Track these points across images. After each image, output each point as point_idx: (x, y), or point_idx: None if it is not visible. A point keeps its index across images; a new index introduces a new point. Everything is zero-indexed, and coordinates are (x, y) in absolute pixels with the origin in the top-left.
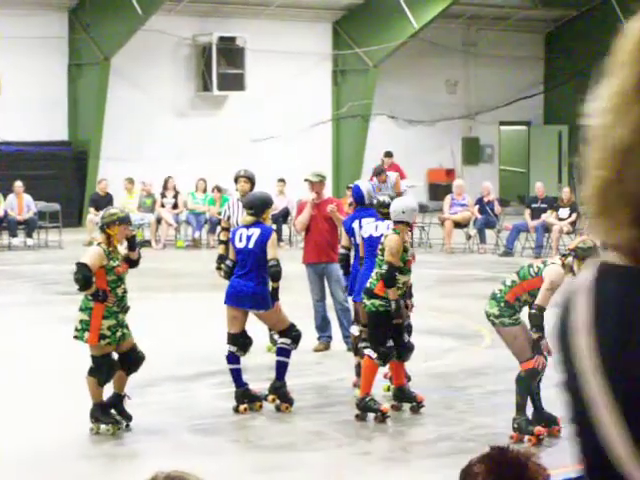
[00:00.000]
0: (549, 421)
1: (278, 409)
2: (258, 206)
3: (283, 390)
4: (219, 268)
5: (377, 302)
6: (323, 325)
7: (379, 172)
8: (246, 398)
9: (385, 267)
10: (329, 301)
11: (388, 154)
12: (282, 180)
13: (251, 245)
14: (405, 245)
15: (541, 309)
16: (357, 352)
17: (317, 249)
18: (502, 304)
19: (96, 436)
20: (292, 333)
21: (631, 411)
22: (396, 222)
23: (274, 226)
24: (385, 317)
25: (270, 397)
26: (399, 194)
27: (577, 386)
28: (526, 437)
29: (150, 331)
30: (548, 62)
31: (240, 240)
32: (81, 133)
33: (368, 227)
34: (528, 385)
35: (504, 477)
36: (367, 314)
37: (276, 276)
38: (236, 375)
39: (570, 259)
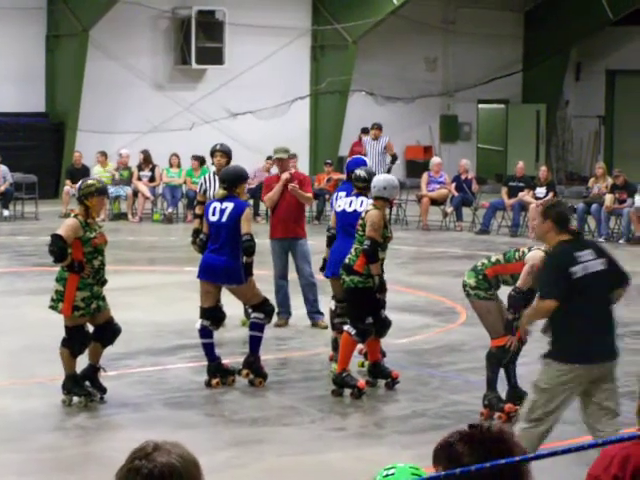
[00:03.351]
0: (522, 398)
1: (252, 383)
2: (232, 180)
3: (257, 364)
4: (194, 242)
5: (356, 278)
6: (284, 301)
7: (375, 126)
8: (218, 372)
9: (367, 242)
10: (292, 277)
11: (364, 130)
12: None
13: (224, 219)
14: (385, 221)
15: (520, 291)
16: (333, 327)
17: (284, 224)
18: (480, 277)
19: (69, 408)
20: (265, 307)
21: None
22: (376, 198)
23: (251, 200)
24: (364, 293)
25: (244, 371)
26: (394, 156)
27: None
28: (496, 414)
29: (126, 304)
30: (527, 41)
31: (213, 214)
32: (59, 105)
33: (341, 202)
34: (499, 361)
35: (489, 455)
36: (345, 290)
37: (249, 250)
38: (209, 349)
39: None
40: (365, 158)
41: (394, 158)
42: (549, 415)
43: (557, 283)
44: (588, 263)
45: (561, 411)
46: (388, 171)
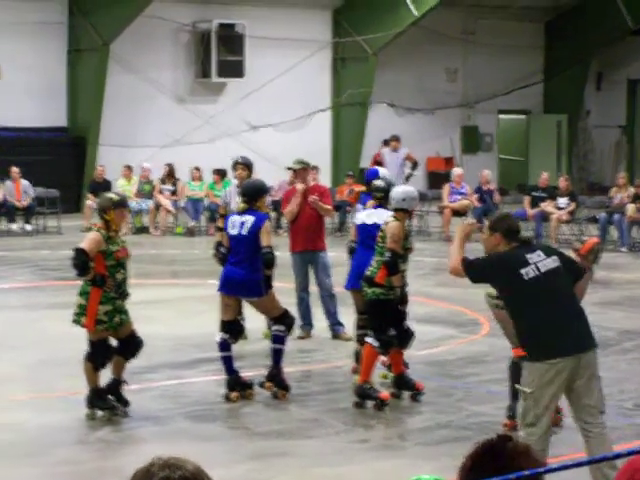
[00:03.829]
0: None
1: (275, 396)
2: (252, 194)
3: (279, 377)
4: (216, 255)
5: (378, 290)
6: (306, 313)
7: (394, 139)
8: (237, 386)
9: (388, 254)
10: (312, 289)
11: (386, 142)
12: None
13: (244, 232)
14: (406, 232)
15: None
16: (356, 339)
17: (304, 237)
18: None
19: (92, 421)
20: (286, 320)
21: None
22: (396, 209)
23: (274, 213)
24: (386, 305)
25: (267, 384)
26: (415, 162)
27: None
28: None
29: (148, 317)
30: (548, 51)
31: (233, 227)
32: (80, 119)
33: (361, 214)
34: (520, 371)
35: (512, 469)
36: (367, 302)
37: (269, 263)
38: (227, 363)
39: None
40: (384, 169)
41: (415, 165)
42: (541, 417)
43: (484, 267)
44: (540, 263)
45: (551, 411)
46: (407, 179)
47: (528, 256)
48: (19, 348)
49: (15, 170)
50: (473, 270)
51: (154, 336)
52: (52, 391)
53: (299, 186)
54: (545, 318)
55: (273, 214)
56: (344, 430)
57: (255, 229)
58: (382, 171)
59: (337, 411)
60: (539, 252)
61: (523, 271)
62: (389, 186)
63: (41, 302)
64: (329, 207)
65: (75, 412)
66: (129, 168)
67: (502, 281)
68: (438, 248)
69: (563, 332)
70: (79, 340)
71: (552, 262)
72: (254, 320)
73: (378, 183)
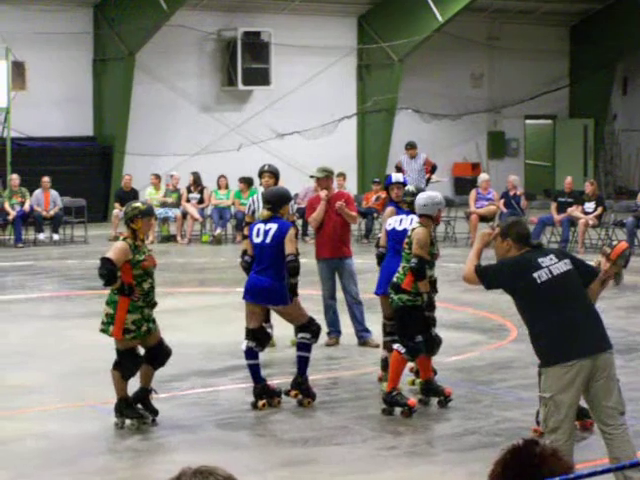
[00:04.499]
0: (581, 414)
1: (300, 404)
2: (275, 201)
3: (305, 385)
4: (241, 263)
5: (405, 297)
6: (334, 320)
7: (410, 146)
8: (264, 394)
9: (414, 260)
10: (339, 296)
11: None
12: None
13: (268, 240)
14: (432, 239)
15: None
16: (384, 346)
17: (330, 244)
18: None
19: (121, 430)
20: (312, 327)
21: None
22: (421, 215)
23: (300, 221)
24: (413, 311)
25: (292, 392)
26: (433, 166)
27: None
28: None
29: (176, 326)
30: (573, 55)
31: (257, 235)
32: (106, 128)
33: (392, 220)
34: None
35: (541, 474)
36: (395, 309)
37: (294, 271)
38: (254, 371)
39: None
40: (399, 175)
41: (434, 169)
42: (562, 422)
43: (497, 273)
44: (552, 266)
45: (573, 414)
46: (427, 182)
47: (540, 260)
48: (49, 358)
49: (46, 180)
50: (487, 276)
51: (183, 344)
52: (82, 400)
53: (323, 193)
54: (559, 321)
55: (299, 221)
56: (372, 437)
57: (279, 237)
58: (395, 176)
59: (365, 418)
60: (551, 256)
61: (536, 275)
62: (418, 191)
63: (70, 311)
64: (354, 213)
65: (105, 421)
66: (157, 177)
67: (515, 286)
68: (466, 254)
69: (578, 334)
70: (108, 349)
71: (564, 265)
72: (282, 327)
73: (408, 188)
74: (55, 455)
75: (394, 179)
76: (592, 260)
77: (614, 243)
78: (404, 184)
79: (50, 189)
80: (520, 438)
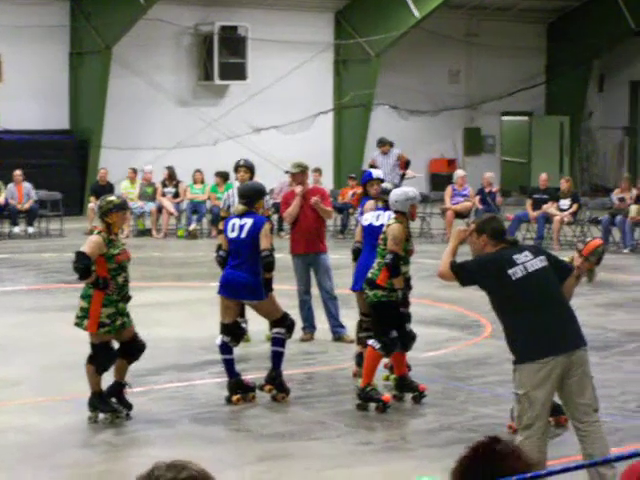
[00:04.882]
0: (555, 410)
1: (274, 399)
2: (250, 196)
3: (279, 380)
4: (216, 258)
5: (379, 292)
6: (309, 315)
7: (381, 143)
8: (239, 388)
9: (389, 256)
10: (314, 291)
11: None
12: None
13: (243, 235)
14: (407, 234)
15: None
16: (358, 341)
17: (305, 240)
18: None
19: (95, 424)
20: (286, 322)
21: None
22: (396, 211)
23: (275, 216)
24: (388, 307)
25: (267, 387)
26: (406, 162)
27: None
28: None
29: (153, 320)
30: (550, 53)
31: (232, 230)
32: (82, 122)
33: (368, 215)
34: None
35: (504, 471)
36: (369, 305)
37: (269, 266)
38: (229, 365)
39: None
40: (378, 171)
41: (407, 164)
42: (536, 418)
43: (473, 270)
44: (527, 263)
45: (547, 411)
46: (401, 177)
47: (515, 257)
48: (28, 351)
49: (18, 173)
50: (462, 273)
51: (159, 338)
52: (59, 394)
53: (298, 189)
54: (534, 318)
55: (275, 216)
56: (347, 432)
57: (254, 232)
58: (375, 172)
59: (341, 414)
60: (526, 252)
61: (511, 271)
62: (395, 187)
63: (48, 305)
64: (329, 209)
65: (82, 415)
66: (134, 171)
67: (490, 282)
68: (441, 250)
69: (552, 331)
70: (84, 343)
71: (539, 262)
72: (257, 322)
73: (385, 185)
74: (33, 449)
75: (374, 175)
76: (567, 257)
77: (587, 240)
78: (383, 180)
79: (23, 182)
80: (484, 436)
